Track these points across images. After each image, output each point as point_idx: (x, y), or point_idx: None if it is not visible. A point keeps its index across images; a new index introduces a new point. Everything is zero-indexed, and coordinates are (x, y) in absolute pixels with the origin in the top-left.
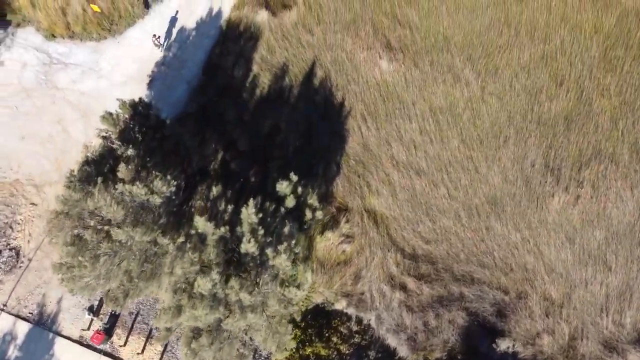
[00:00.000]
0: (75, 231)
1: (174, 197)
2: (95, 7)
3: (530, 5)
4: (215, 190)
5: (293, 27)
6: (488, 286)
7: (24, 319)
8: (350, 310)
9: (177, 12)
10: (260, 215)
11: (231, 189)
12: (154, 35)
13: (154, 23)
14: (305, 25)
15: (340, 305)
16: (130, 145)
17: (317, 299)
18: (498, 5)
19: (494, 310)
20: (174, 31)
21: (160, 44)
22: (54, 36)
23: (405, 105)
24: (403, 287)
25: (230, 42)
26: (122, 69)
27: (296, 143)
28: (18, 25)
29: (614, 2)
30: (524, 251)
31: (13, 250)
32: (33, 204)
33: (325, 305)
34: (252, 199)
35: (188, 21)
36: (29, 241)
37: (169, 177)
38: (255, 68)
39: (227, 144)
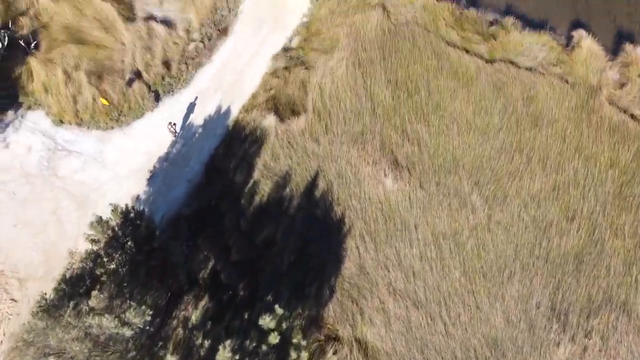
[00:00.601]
0: None
1: (147, 327)
2: (105, 101)
3: (544, 132)
4: (194, 318)
5: (300, 135)
6: None
7: None
8: None
9: (187, 107)
10: (237, 357)
11: (218, 302)
12: (170, 123)
13: (163, 116)
14: (312, 134)
15: None
16: (116, 255)
17: None
18: (510, 129)
19: None
20: (182, 126)
21: (176, 131)
22: (62, 122)
23: (407, 227)
24: None
25: (235, 144)
26: (125, 161)
27: (291, 257)
28: (29, 107)
29: (632, 135)
30: None
31: None
32: (13, 299)
33: None
34: (229, 340)
35: (197, 117)
36: (1, 342)
37: (144, 306)
38: (257, 174)
39: (220, 251)
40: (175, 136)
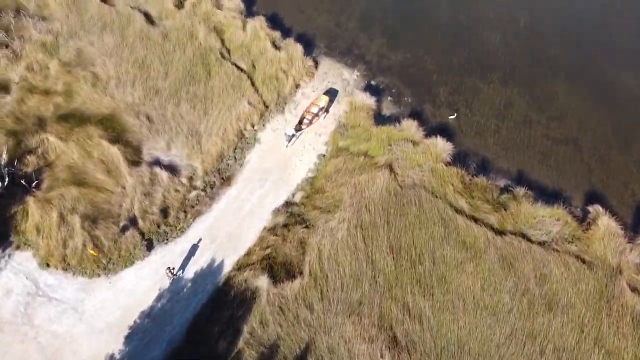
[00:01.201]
0: None
1: None
2: (93, 252)
3: (559, 318)
4: None
5: (293, 300)
6: None
7: None
8: None
9: (179, 258)
10: None
11: None
12: (168, 268)
13: (152, 268)
14: (306, 300)
15: None
16: None
17: None
18: (522, 312)
19: None
20: (170, 280)
21: (174, 275)
22: (48, 265)
23: None
24: None
25: (223, 304)
26: (105, 314)
27: None
28: (18, 247)
29: None
30: None
31: None
32: None
33: None
34: None
35: (188, 270)
36: None
37: None
38: (241, 342)
39: None
40: (173, 279)
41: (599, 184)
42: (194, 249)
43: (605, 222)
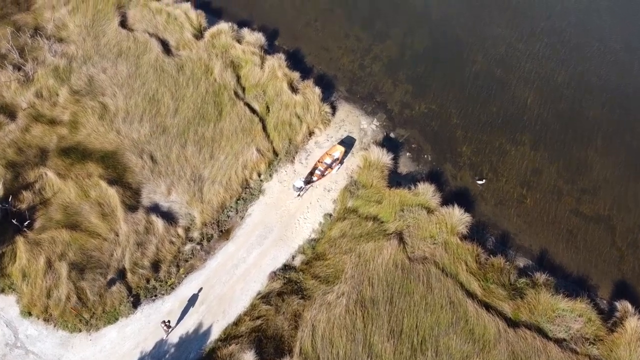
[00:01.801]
0: None
1: None
2: (73, 310)
3: None
4: None
5: None
6: None
7: None
8: None
9: (165, 319)
10: None
11: None
12: (163, 321)
13: (136, 327)
14: None
15: None
16: None
17: None
18: None
19: None
20: (154, 342)
21: (169, 327)
22: (30, 314)
23: None
24: None
25: None
26: None
27: None
28: (2, 291)
29: None
30: None
31: None
32: None
33: None
34: None
35: (174, 334)
36: None
37: None
38: None
39: None
40: (167, 333)
41: (630, 273)
42: (181, 309)
43: (633, 325)
